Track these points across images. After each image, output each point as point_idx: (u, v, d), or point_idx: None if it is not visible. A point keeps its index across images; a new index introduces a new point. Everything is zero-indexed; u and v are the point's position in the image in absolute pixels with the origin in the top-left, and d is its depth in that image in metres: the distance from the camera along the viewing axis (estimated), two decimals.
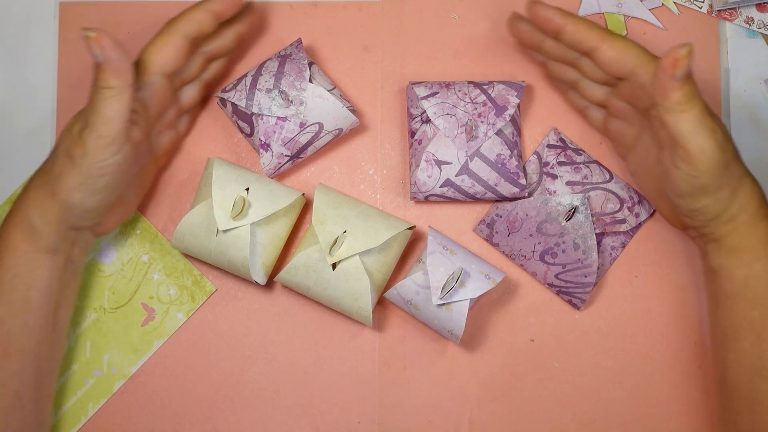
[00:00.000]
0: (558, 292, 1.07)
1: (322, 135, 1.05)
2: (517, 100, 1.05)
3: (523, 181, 1.06)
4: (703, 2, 1.13)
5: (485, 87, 1.06)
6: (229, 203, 1.01)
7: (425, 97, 1.06)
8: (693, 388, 1.07)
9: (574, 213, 1.05)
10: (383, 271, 1.04)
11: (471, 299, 1.00)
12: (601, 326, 1.08)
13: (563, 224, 1.05)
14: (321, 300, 1.04)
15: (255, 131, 1.05)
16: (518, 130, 1.08)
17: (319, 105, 1.04)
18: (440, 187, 1.05)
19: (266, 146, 1.05)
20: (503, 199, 1.07)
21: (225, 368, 1.08)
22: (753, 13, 1.13)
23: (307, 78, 1.05)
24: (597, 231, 1.05)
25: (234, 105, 1.06)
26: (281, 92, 1.04)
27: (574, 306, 1.07)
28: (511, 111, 1.05)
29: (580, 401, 1.08)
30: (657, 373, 1.08)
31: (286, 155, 1.05)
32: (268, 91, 1.04)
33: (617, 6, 1.13)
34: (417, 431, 1.07)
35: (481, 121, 1.05)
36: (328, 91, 1.05)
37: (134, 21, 1.13)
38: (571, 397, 1.08)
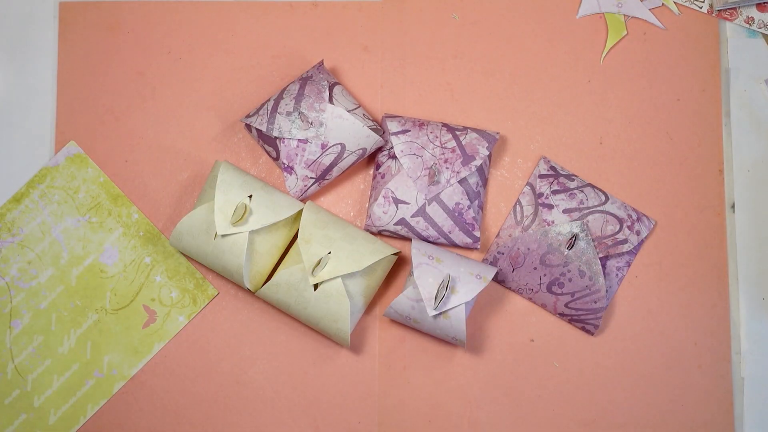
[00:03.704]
0: (570, 321, 1.07)
1: (345, 155, 1.05)
2: (487, 152, 1.05)
3: (477, 233, 1.05)
4: (704, 2, 1.13)
5: (458, 133, 1.06)
6: (231, 208, 1.01)
7: (396, 133, 1.06)
8: (693, 388, 1.07)
9: (575, 241, 1.04)
10: (365, 294, 1.04)
11: (466, 303, 1.00)
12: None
13: (566, 253, 1.04)
14: (300, 318, 1.04)
15: (279, 154, 1.06)
16: (484, 181, 1.08)
17: (339, 125, 1.04)
18: (394, 224, 1.05)
19: (290, 169, 1.05)
20: (455, 246, 1.07)
21: (225, 368, 1.08)
22: (753, 13, 1.13)
23: (327, 99, 1.04)
24: (600, 255, 1.05)
25: (258, 130, 1.06)
26: (300, 114, 1.03)
27: (588, 332, 1.07)
28: (478, 162, 1.05)
29: (580, 401, 1.08)
30: (656, 373, 1.08)
31: (311, 177, 1.05)
32: (288, 114, 1.04)
33: (617, 6, 1.13)
34: (417, 431, 1.07)
35: (446, 167, 1.05)
36: (350, 111, 1.05)
37: (134, 21, 1.13)
38: (571, 397, 1.08)
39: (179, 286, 1.08)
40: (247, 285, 1.03)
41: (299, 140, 1.04)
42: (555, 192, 1.06)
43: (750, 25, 1.13)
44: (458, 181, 1.05)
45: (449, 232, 1.05)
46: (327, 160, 1.04)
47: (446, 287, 0.99)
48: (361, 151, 1.05)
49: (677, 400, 1.07)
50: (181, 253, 1.09)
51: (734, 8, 1.13)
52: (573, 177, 1.08)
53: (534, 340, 1.09)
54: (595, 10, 1.13)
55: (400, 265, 1.09)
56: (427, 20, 1.13)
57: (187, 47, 1.13)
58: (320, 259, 1.00)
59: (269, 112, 1.04)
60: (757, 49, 1.13)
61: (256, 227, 1.01)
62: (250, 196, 1.02)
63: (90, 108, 1.12)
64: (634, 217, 1.07)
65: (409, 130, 1.06)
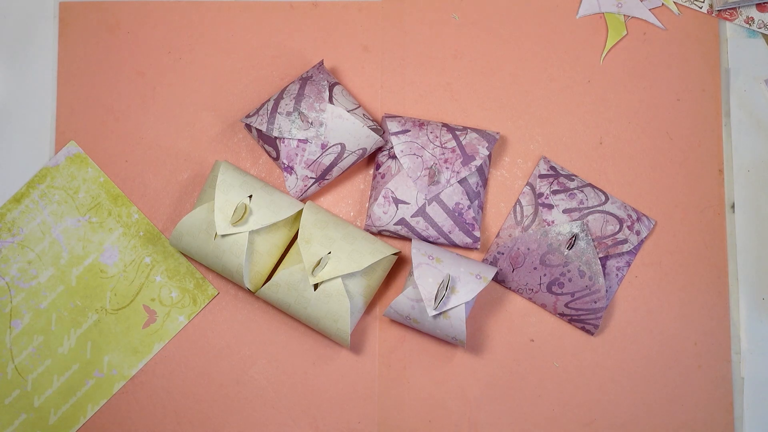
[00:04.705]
0: (570, 321, 1.07)
1: (345, 155, 1.05)
2: (487, 152, 1.05)
3: (477, 233, 1.05)
4: (703, 2, 1.13)
5: (458, 133, 1.06)
6: (231, 208, 1.01)
7: (396, 134, 1.06)
8: (693, 388, 1.07)
9: (575, 241, 1.04)
10: (365, 294, 1.04)
11: (466, 303, 1.00)
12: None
13: (566, 253, 1.05)
14: (300, 318, 1.04)
15: (279, 154, 1.06)
16: (484, 181, 1.08)
17: (340, 125, 1.04)
18: (394, 224, 1.05)
19: (290, 169, 1.05)
20: (455, 246, 1.07)
21: (225, 368, 1.08)
22: (753, 13, 1.13)
23: (327, 99, 1.04)
24: (600, 255, 1.05)
25: (258, 130, 1.06)
26: (300, 114, 1.04)
27: (588, 332, 1.07)
28: (478, 162, 1.05)
29: (580, 401, 1.08)
30: (657, 373, 1.08)
31: (311, 177, 1.05)
32: (288, 114, 1.04)
33: (617, 6, 1.13)
34: (417, 431, 1.07)
35: (446, 167, 1.05)
36: (350, 110, 1.05)
37: (134, 21, 1.13)
38: (571, 397, 1.08)
39: (179, 286, 1.08)
40: (247, 285, 1.03)
41: (299, 140, 1.04)
42: (555, 192, 1.06)
43: (750, 25, 1.13)
44: (458, 181, 1.05)
45: (449, 232, 1.05)
46: (327, 160, 1.04)
47: (446, 287, 0.99)
48: (361, 151, 1.05)
49: (677, 400, 1.07)
50: (181, 253, 1.09)
51: (734, 8, 1.13)
52: (573, 177, 1.08)
53: (534, 340, 1.09)
54: (595, 10, 1.13)
55: (400, 265, 1.09)
56: (427, 20, 1.13)
57: (187, 47, 1.13)
58: (320, 259, 1.00)
59: (269, 112, 1.05)
60: (757, 49, 1.13)
61: (256, 227, 1.01)
62: (250, 196, 1.02)
63: (90, 108, 1.12)
64: (634, 217, 1.07)
65: (409, 130, 1.06)
